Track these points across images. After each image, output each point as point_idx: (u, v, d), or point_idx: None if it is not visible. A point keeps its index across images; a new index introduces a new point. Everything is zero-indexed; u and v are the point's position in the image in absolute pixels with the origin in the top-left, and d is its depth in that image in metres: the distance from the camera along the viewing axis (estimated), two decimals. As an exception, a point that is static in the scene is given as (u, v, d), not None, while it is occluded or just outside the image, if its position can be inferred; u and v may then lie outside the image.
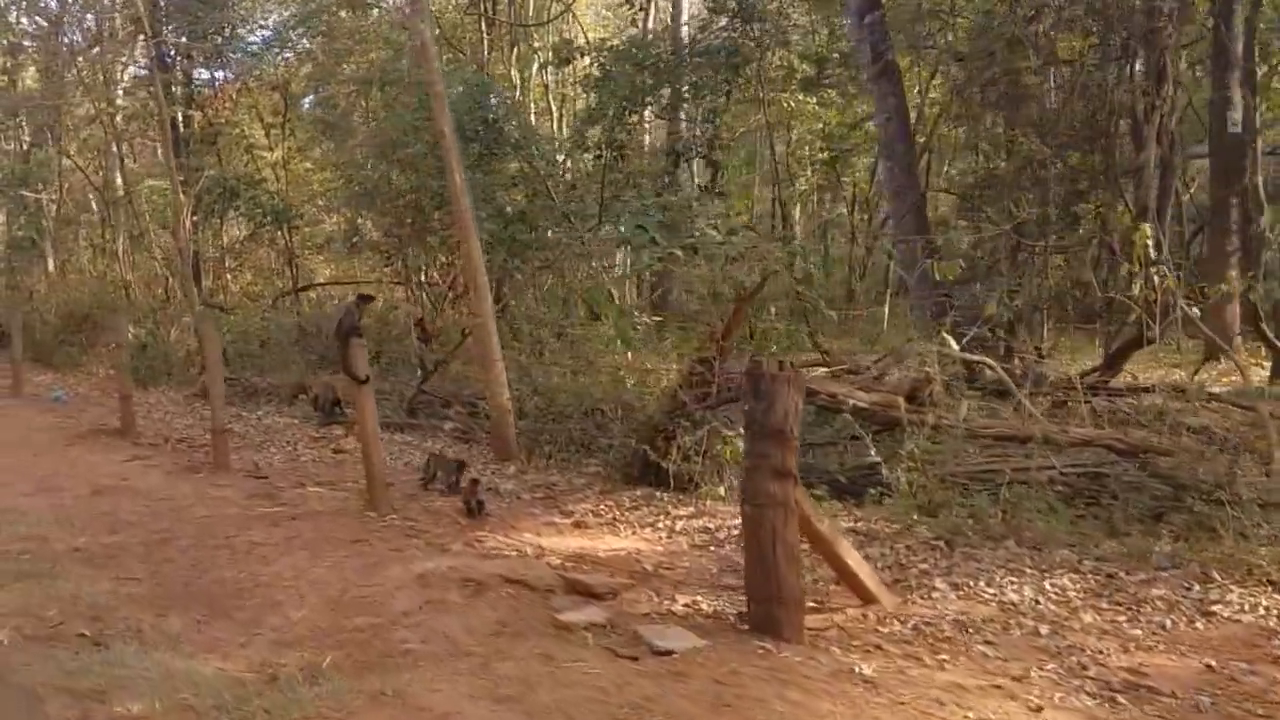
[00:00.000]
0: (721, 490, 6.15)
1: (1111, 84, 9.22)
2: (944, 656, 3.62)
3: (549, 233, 11.92)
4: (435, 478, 6.59)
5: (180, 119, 18.24)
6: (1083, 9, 9.07)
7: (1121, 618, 4.00)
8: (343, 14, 17.16)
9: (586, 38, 17.70)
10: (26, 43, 20.56)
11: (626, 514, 5.93)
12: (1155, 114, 8.35)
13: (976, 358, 7.01)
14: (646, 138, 17.67)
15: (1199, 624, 3.92)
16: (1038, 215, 9.12)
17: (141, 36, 17.32)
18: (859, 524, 5.39)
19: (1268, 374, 9.32)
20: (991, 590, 4.33)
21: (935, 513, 5.34)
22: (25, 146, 21.85)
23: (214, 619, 3.99)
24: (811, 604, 4.01)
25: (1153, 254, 6.51)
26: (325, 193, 17.60)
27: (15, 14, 19.31)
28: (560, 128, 17.98)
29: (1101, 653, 3.64)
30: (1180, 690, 3.30)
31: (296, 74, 18.84)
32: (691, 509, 5.91)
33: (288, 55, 18.26)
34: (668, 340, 9.55)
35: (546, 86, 18.79)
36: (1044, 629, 3.88)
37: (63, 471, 7.30)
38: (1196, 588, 4.25)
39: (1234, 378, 8.62)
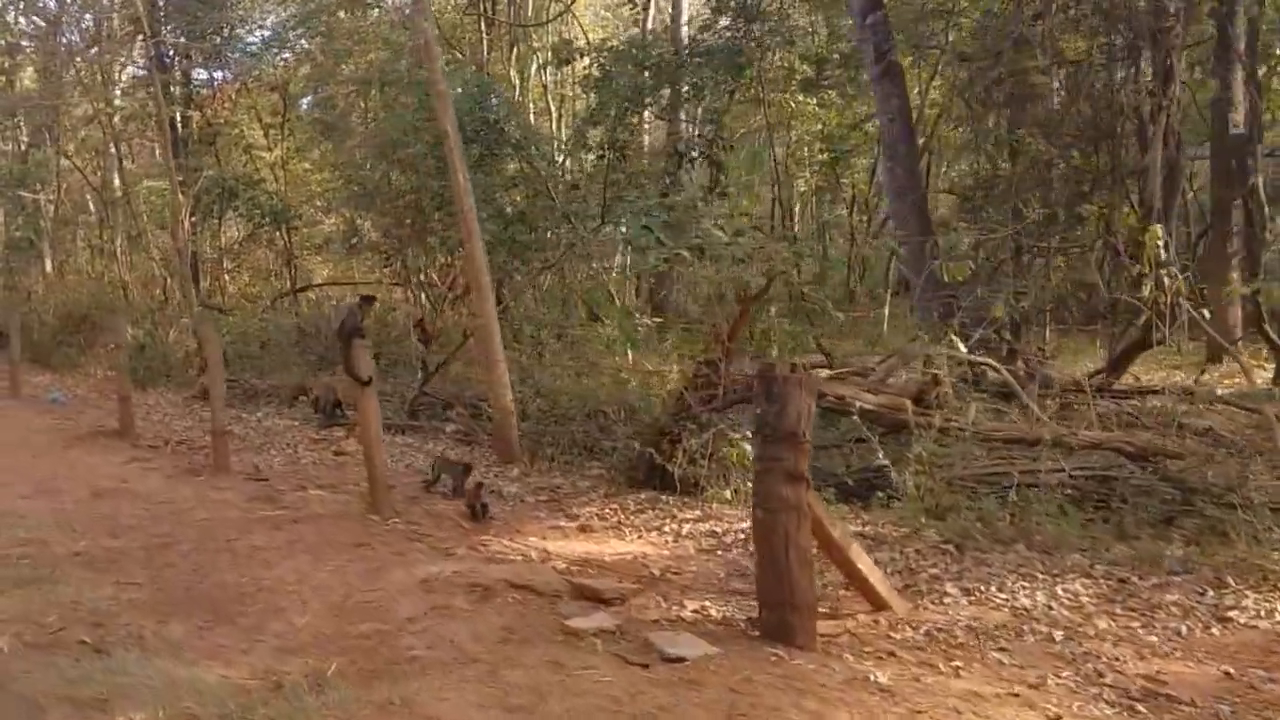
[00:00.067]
0: (728, 494, 6.08)
1: (1117, 84, 9.19)
2: (958, 663, 3.57)
3: (549, 234, 11.88)
4: (440, 480, 6.54)
5: (179, 119, 18.20)
6: (1089, 8, 9.03)
7: (1136, 623, 3.94)
8: (342, 14, 17.13)
9: (586, 38, 17.65)
10: (25, 43, 20.50)
11: (632, 517, 5.88)
12: (1162, 114, 8.30)
13: (984, 360, 6.97)
14: (646, 138, 17.62)
15: (1215, 630, 3.87)
16: (1042, 216, 9.07)
17: (140, 36, 17.27)
18: (867, 528, 5.34)
19: (1270, 376, 9.29)
20: (1003, 595, 4.28)
21: (943, 516, 5.28)
22: (23, 147, 21.83)
23: (216, 625, 3.92)
24: (822, 610, 3.95)
25: (1162, 255, 6.46)
26: (324, 193, 17.55)
27: (13, 14, 19.27)
28: (560, 128, 17.92)
29: (1118, 659, 3.59)
30: (1199, 698, 3.25)
31: (295, 74, 18.80)
32: (697, 512, 5.86)
33: (286, 56, 18.25)
34: (668, 341, 9.52)
35: (546, 87, 18.74)
36: (1058, 635, 3.83)
37: (62, 474, 7.22)
38: (1210, 593, 4.20)
39: (1236, 379, 8.60)
